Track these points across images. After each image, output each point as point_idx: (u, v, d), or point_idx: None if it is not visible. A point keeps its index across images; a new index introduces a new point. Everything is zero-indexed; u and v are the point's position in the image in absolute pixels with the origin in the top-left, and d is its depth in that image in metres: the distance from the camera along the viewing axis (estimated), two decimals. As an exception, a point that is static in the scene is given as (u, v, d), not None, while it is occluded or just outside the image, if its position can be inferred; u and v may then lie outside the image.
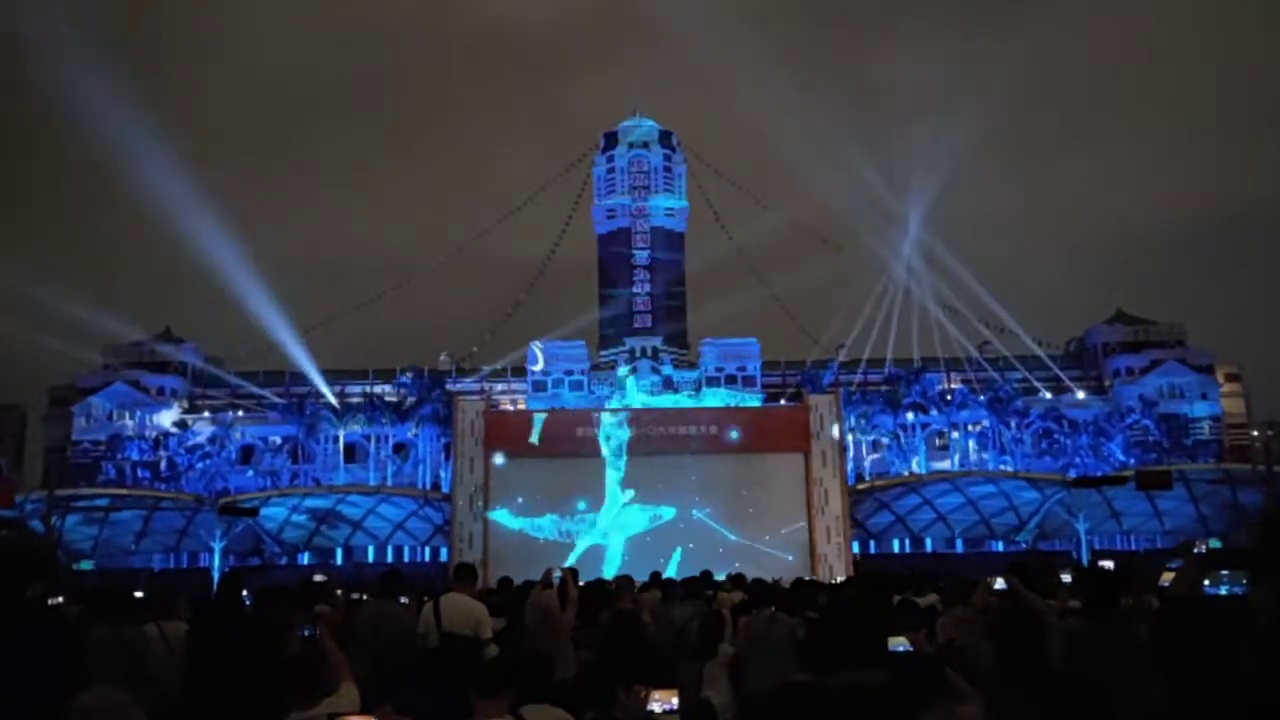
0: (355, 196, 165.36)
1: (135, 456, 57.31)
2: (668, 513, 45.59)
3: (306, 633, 7.76)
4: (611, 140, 66.93)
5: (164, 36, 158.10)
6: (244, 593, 10.33)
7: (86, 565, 47.71)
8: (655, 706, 4.86)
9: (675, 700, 4.93)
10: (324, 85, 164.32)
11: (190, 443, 58.46)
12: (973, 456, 58.05)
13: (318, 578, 13.96)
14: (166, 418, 61.15)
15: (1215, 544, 42.40)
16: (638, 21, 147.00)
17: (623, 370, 58.64)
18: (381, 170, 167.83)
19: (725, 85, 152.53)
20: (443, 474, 55.56)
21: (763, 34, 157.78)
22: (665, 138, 66.76)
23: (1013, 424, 58.23)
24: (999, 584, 8.23)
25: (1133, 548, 48.28)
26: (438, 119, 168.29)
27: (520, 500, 45.61)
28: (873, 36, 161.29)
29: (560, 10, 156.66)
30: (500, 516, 45.50)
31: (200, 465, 57.46)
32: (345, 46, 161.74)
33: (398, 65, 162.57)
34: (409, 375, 61.95)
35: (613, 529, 45.38)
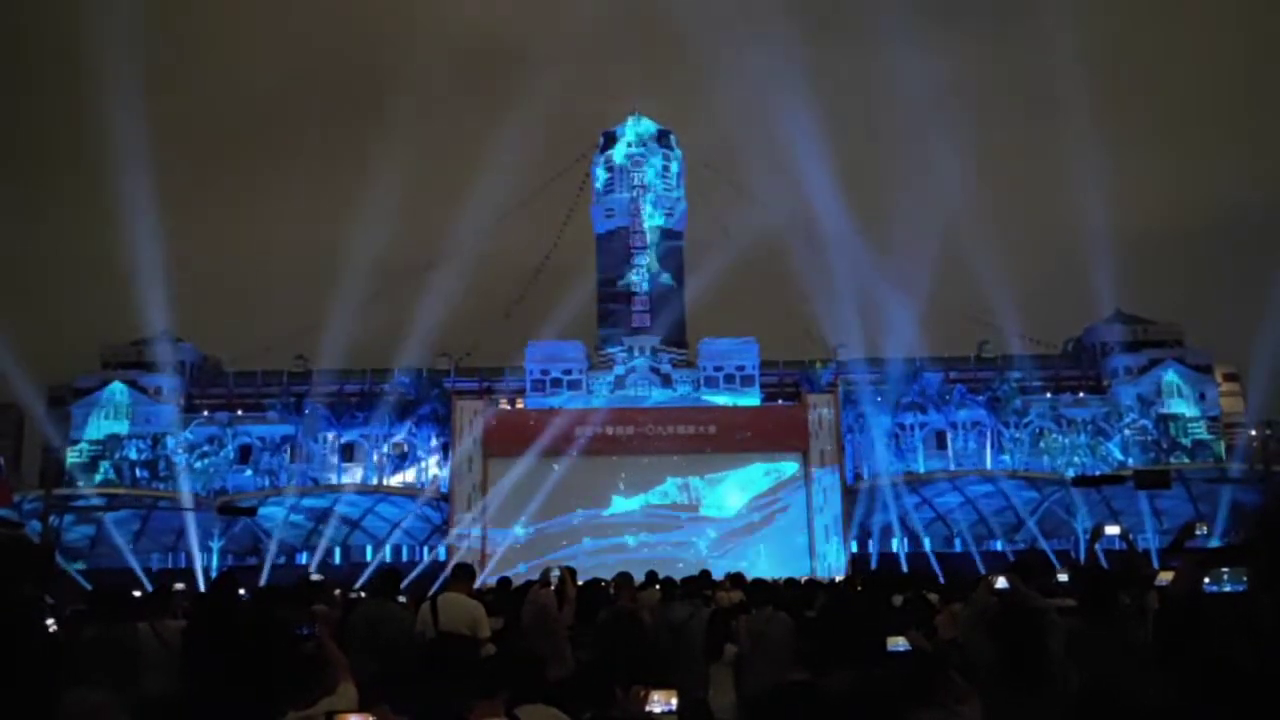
0: (353, 196, 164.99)
1: (133, 456, 57.24)
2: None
3: (305, 632, 7.74)
4: (610, 140, 66.89)
5: (161, 36, 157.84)
6: (241, 591, 10.30)
7: (83, 565, 47.66)
8: (655, 707, 4.83)
9: (674, 701, 4.89)
10: (322, 87, 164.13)
11: (188, 442, 58.42)
12: (971, 456, 58.06)
13: (315, 577, 13.89)
14: (164, 417, 61.06)
15: (1214, 543, 42.42)
16: (637, 22, 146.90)
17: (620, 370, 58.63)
18: (380, 170, 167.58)
19: (724, 85, 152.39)
20: (441, 473, 55.55)
21: (762, 34, 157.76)
22: (664, 137, 66.73)
23: (1011, 423, 58.24)
24: (999, 583, 8.21)
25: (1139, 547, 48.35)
26: (437, 119, 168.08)
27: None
28: (872, 38, 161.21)
29: (559, 11, 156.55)
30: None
31: (198, 465, 57.40)
32: (343, 48, 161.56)
33: (397, 67, 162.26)
34: (407, 375, 61.90)
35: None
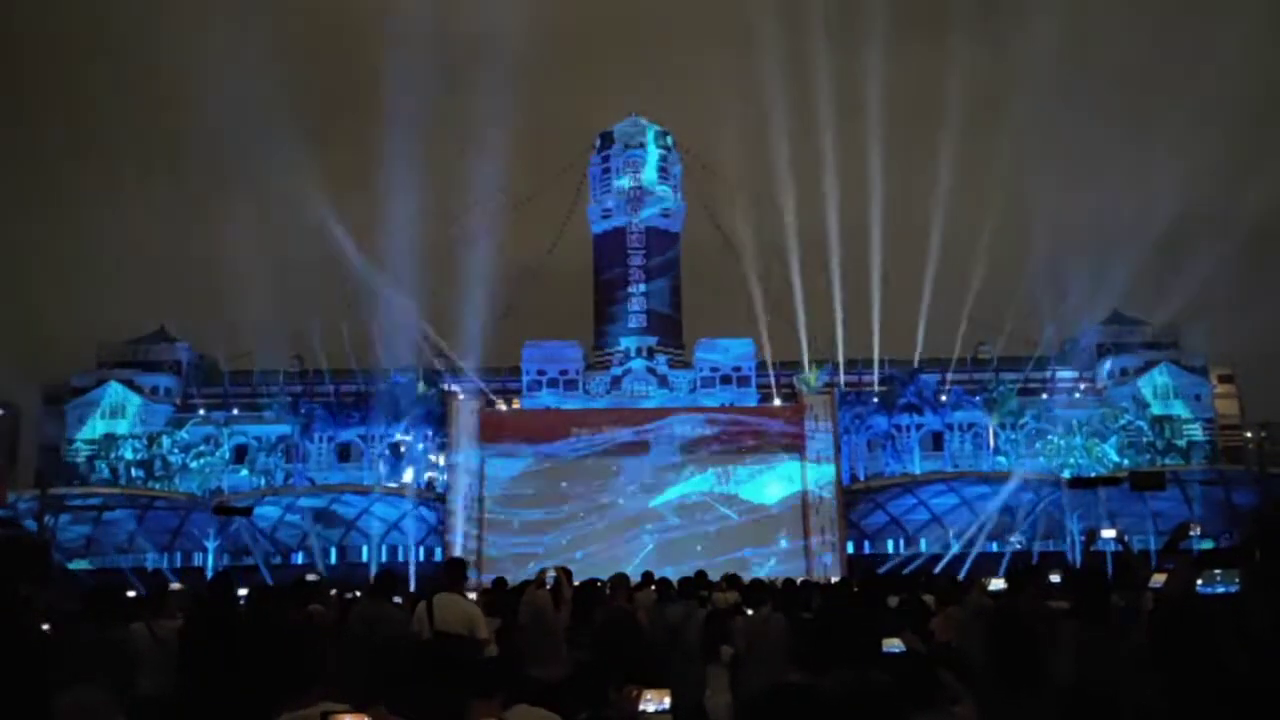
0: (351, 197, 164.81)
1: (129, 456, 57.13)
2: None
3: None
4: (607, 140, 66.87)
5: (160, 33, 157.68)
6: (240, 591, 10.30)
7: (80, 565, 47.59)
8: (648, 706, 4.84)
9: (667, 700, 4.91)
10: (320, 88, 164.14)
11: (184, 442, 58.33)
12: (967, 457, 58.11)
13: (310, 577, 13.89)
14: (160, 417, 60.99)
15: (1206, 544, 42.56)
16: (634, 23, 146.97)
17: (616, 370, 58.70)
18: (376, 170, 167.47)
19: (721, 86, 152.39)
20: (437, 473, 55.50)
21: (762, 36, 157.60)
22: (661, 138, 66.74)
23: (1007, 425, 58.31)
24: (993, 585, 8.24)
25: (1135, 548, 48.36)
26: (435, 119, 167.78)
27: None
28: (870, 39, 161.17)
29: (556, 12, 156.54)
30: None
31: (194, 464, 57.31)
32: (339, 49, 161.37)
33: (394, 66, 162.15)
34: (404, 375, 61.81)
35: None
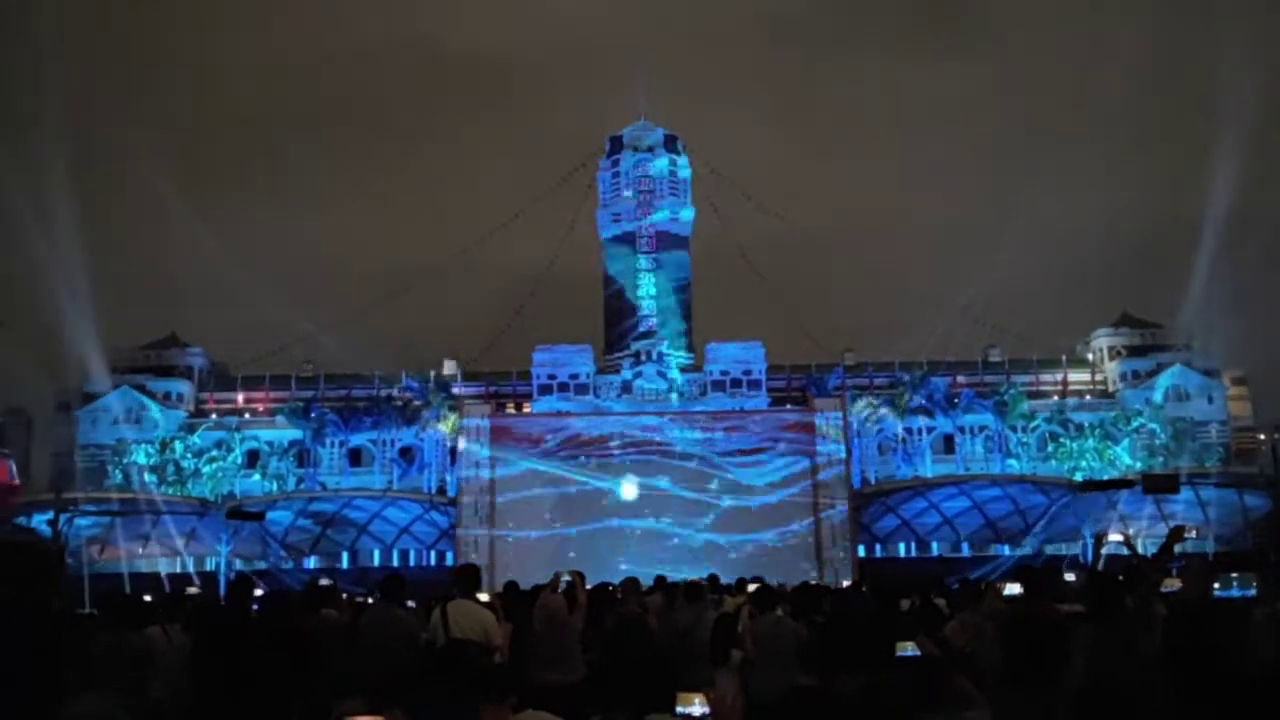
0: (363, 205, 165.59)
1: (141, 460, 57.37)
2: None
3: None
4: (617, 145, 66.94)
5: (170, 48, 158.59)
6: (256, 594, 10.34)
7: (92, 569, 47.74)
8: (694, 710, 4.84)
9: (697, 705, 4.91)
10: (329, 98, 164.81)
11: (196, 447, 58.55)
12: (978, 460, 57.89)
13: (323, 582, 13.94)
14: (173, 422, 61.22)
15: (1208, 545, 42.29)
16: (644, 29, 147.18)
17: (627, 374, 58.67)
18: (389, 179, 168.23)
19: (731, 91, 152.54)
20: (448, 478, 55.60)
21: (768, 41, 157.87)
22: (670, 142, 66.75)
23: (1018, 427, 58.09)
24: (1008, 589, 8.20)
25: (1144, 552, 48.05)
26: (445, 127, 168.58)
27: None
28: (875, 46, 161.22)
29: (565, 18, 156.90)
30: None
31: (206, 469, 57.52)
32: (348, 62, 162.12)
33: (407, 75, 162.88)
34: (415, 380, 61.95)
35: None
